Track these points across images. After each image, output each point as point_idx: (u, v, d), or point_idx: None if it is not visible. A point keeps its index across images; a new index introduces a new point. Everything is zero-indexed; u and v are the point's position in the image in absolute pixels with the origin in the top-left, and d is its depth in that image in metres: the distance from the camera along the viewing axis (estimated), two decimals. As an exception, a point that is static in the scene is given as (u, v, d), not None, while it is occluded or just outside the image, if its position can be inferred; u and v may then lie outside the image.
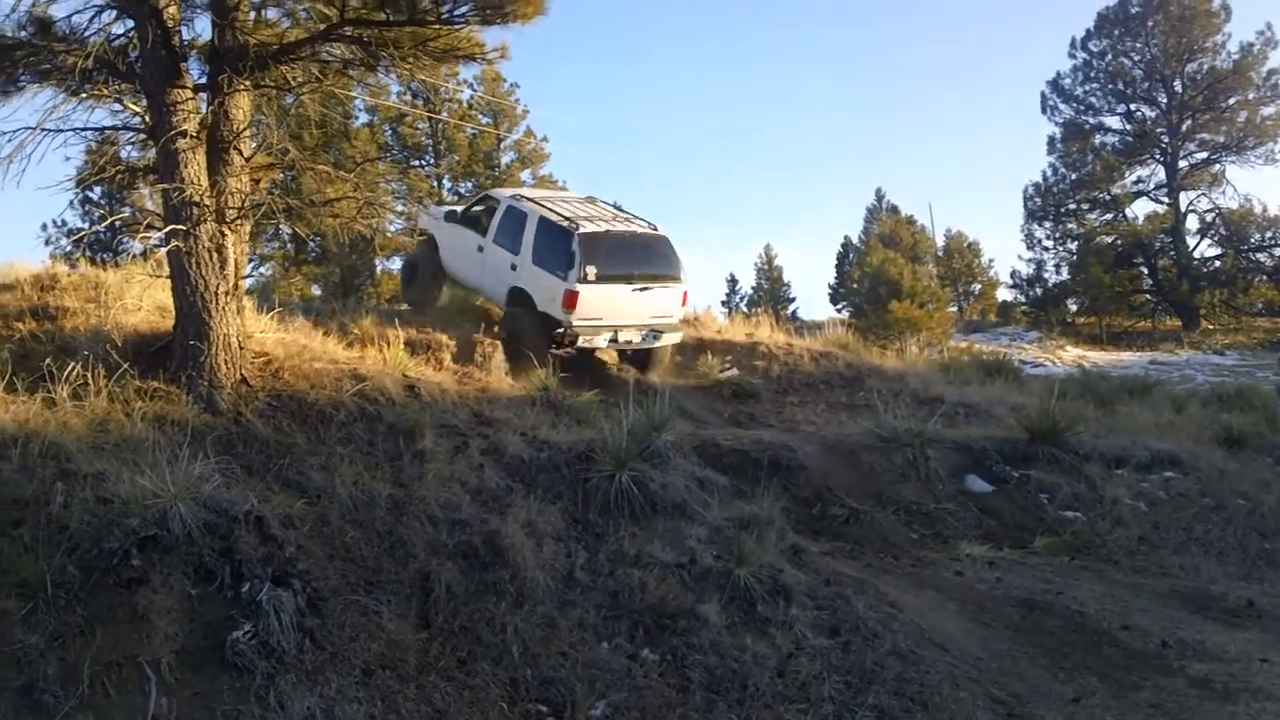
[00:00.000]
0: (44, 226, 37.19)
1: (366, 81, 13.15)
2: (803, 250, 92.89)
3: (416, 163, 40.28)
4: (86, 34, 9.52)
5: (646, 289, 14.24)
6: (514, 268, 14.49)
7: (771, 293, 51.20)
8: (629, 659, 7.32)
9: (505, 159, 42.90)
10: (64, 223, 37.18)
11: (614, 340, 14.42)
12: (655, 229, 14.94)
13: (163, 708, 5.96)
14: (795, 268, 77.75)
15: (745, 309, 45.85)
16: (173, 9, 9.50)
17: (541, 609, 7.68)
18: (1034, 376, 22.28)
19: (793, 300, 52.41)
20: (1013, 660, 7.77)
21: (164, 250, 9.39)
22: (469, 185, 42.37)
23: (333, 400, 9.83)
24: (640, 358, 15.10)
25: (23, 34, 9.56)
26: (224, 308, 9.44)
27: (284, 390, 9.79)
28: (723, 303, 51.80)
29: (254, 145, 10.21)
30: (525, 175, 42.85)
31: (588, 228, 13.89)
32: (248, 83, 9.81)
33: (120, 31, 9.56)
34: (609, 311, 13.94)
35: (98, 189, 31.82)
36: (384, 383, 10.43)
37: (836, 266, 52.15)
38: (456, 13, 9.36)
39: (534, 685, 6.96)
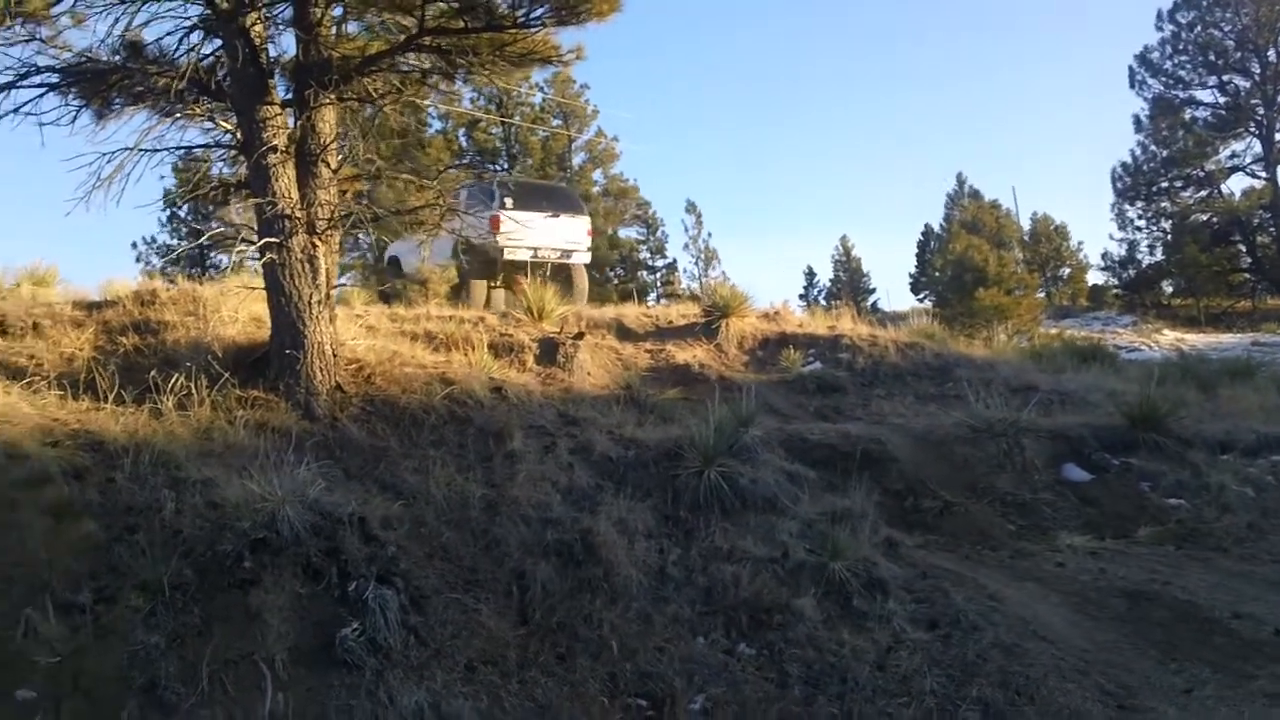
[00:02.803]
0: (134, 245, 38.56)
1: (443, 89, 13.33)
2: (881, 240, 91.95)
3: (491, 167, 40.76)
4: (176, 55, 9.85)
5: (555, 217, 19.14)
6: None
7: (850, 284, 50.89)
8: (726, 653, 7.38)
9: (577, 160, 43.27)
10: (154, 240, 38.47)
11: (535, 255, 18.90)
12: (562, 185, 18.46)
13: (279, 703, 6.17)
14: (874, 258, 77.07)
15: (824, 302, 45.69)
16: (259, 27, 9.78)
17: (636, 605, 7.79)
18: (1130, 361, 21.77)
19: (873, 291, 52.14)
20: (1120, 652, 7.62)
21: (258, 263, 9.67)
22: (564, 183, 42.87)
23: (423, 404, 10.05)
24: (562, 278, 18.68)
25: (116, 58, 9.91)
26: (317, 316, 9.70)
27: (376, 395, 10.04)
28: (800, 296, 51.70)
29: (340, 157, 10.46)
30: (597, 175, 43.22)
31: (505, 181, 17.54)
32: (332, 96, 10.08)
33: (209, 51, 9.86)
34: (526, 234, 18.21)
35: (185, 206, 32.87)
36: (471, 385, 10.62)
37: (917, 255, 51.74)
38: (533, 16, 9.48)
39: (633, 679, 7.05)
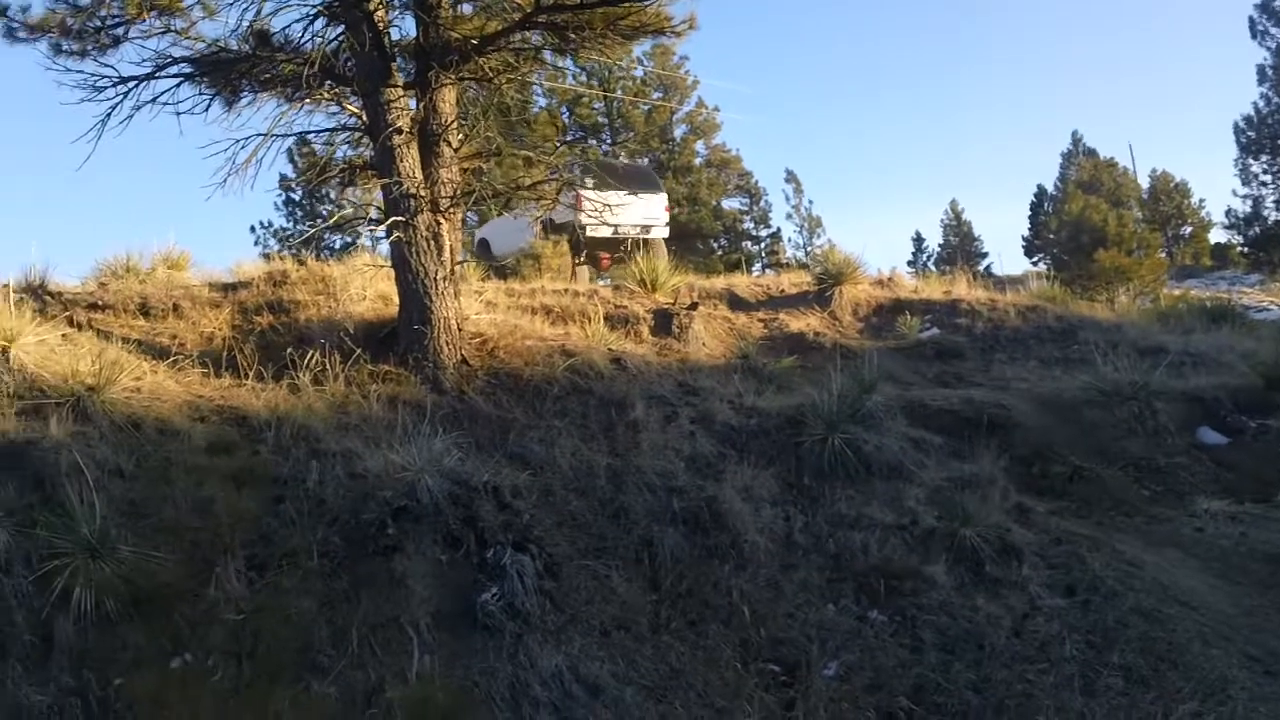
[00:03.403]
0: (252, 228, 39.77)
1: (555, 65, 13.49)
2: (992, 203, 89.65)
3: (593, 142, 40.92)
4: (302, 42, 10.16)
5: (633, 195, 18.83)
6: None
7: (962, 249, 49.92)
8: (858, 620, 7.42)
9: (678, 132, 43.16)
10: (270, 224, 39.62)
11: (616, 231, 19.60)
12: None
13: (425, 665, 6.41)
14: (985, 222, 75.25)
15: (933, 267, 44.95)
16: (381, 11, 10.04)
17: (764, 572, 7.87)
18: (1261, 321, 20.95)
19: (984, 255, 50.98)
20: (1265, 617, 7.43)
21: (383, 242, 9.96)
22: (645, 161, 42.84)
23: (546, 376, 10.25)
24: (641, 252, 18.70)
25: (245, 47, 10.25)
26: (443, 292, 9.96)
27: (500, 368, 10.27)
28: (908, 263, 50.90)
29: (460, 136, 10.68)
30: (699, 146, 43.06)
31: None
32: (452, 76, 10.29)
33: (333, 37, 10.13)
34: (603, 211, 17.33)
35: (301, 190, 33.79)
36: (591, 357, 10.79)
37: (1030, 217, 50.38)
38: (648, -12, 9.54)
39: (765, 645, 7.15)
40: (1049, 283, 19.71)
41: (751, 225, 45.41)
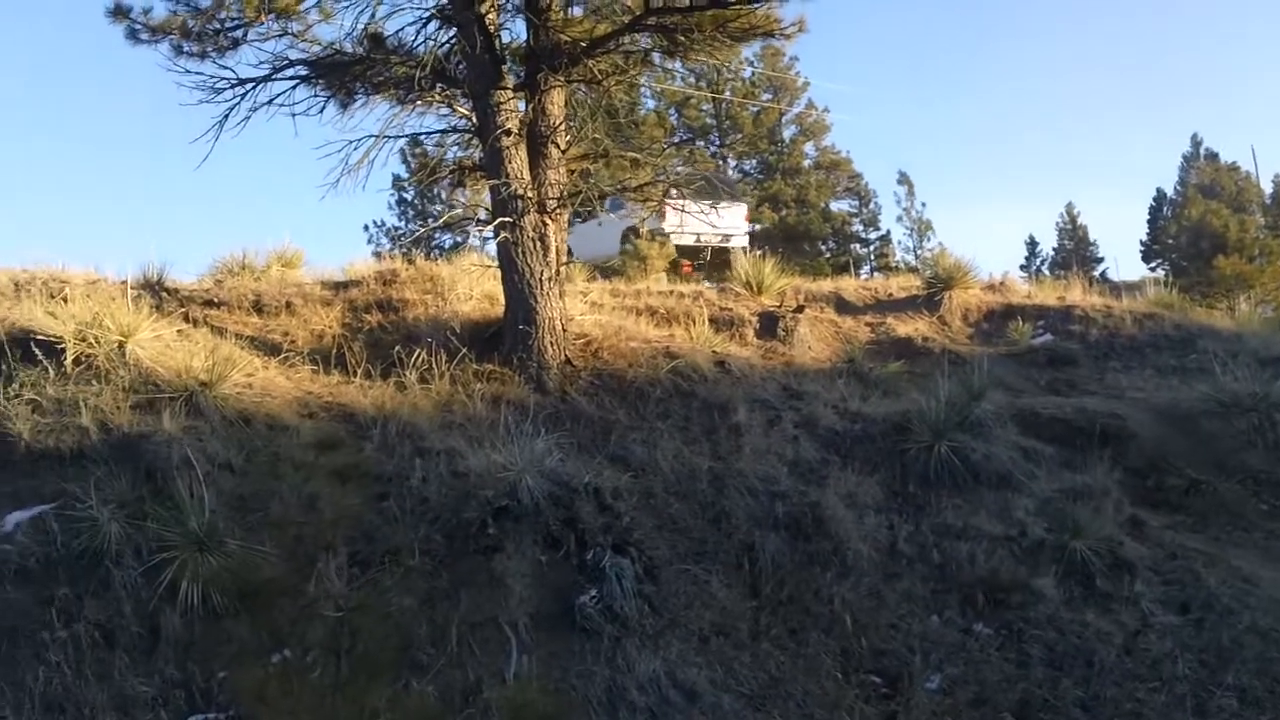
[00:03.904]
0: (365, 228, 40.70)
1: (665, 68, 13.49)
2: (1109, 207, 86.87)
3: (701, 143, 40.88)
4: (414, 45, 10.32)
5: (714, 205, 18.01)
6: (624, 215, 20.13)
7: (1077, 253, 48.54)
8: (962, 632, 7.24)
9: (787, 133, 42.86)
10: (384, 223, 40.49)
11: (697, 239, 20.49)
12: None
13: (523, 665, 6.43)
14: (1101, 226, 73.04)
15: (1047, 272, 43.82)
16: (492, 15, 10.13)
17: (867, 580, 7.73)
18: (1387, 331, 19.85)
19: (1101, 260, 49.44)
20: (1387, 639, 7.09)
21: (491, 242, 10.04)
22: (753, 163, 42.67)
23: (649, 378, 10.21)
24: (721, 262, 20.28)
25: (360, 50, 10.45)
26: (548, 293, 10.00)
27: (604, 369, 10.26)
28: (1021, 267, 49.67)
29: (568, 138, 10.72)
30: (808, 148, 42.70)
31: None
32: (561, 79, 10.33)
33: (445, 40, 10.26)
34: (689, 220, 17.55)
35: (413, 190, 34.47)
36: (694, 359, 10.72)
37: (1149, 222, 48.73)
38: (757, -10, 9.44)
39: (867, 656, 7.02)
40: (1167, 289, 18.98)
41: (861, 228, 44.84)
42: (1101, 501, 8.57)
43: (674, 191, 16.18)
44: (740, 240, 22.15)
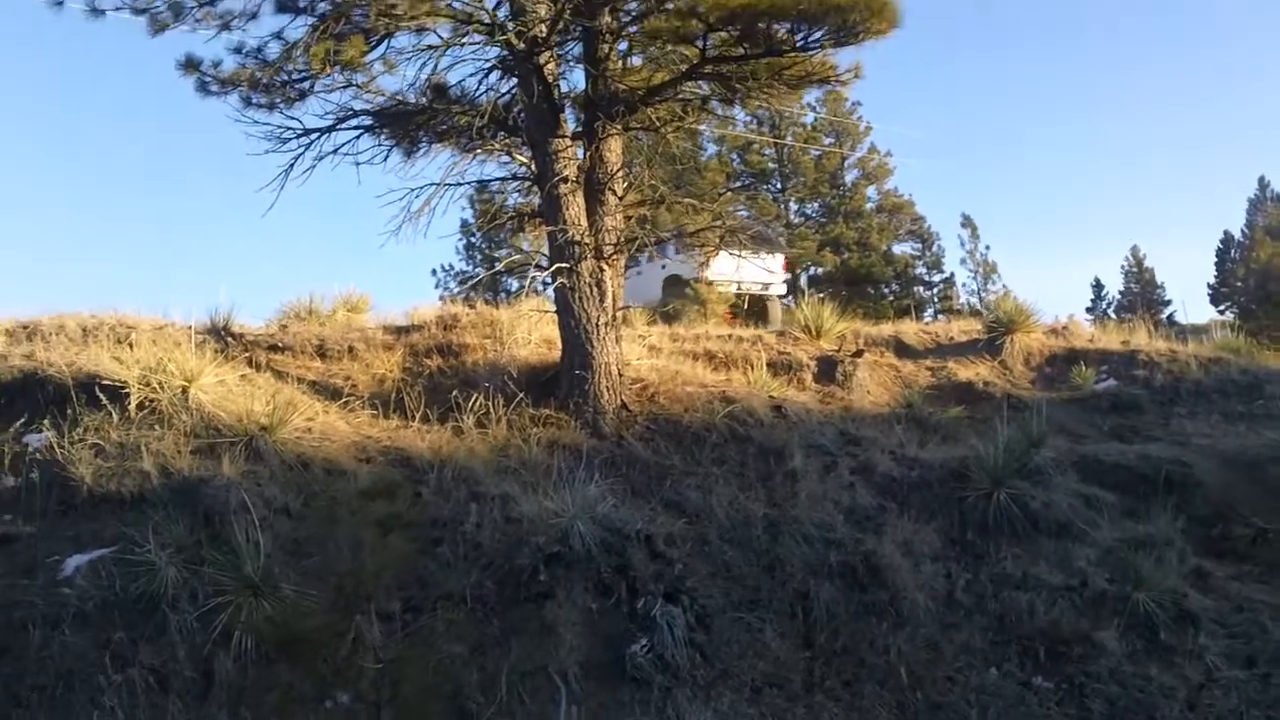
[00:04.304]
0: (433, 271, 41.28)
1: (720, 114, 13.56)
2: (1176, 250, 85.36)
3: (763, 187, 40.95)
4: (476, 95, 10.51)
5: (755, 254, 19.06)
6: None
7: (1143, 296, 47.74)
8: (1021, 685, 7.08)
9: (849, 177, 42.79)
10: (452, 267, 41.04)
11: (739, 288, 21.39)
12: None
13: (572, 715, 6.40)
14: (1168, 269, 71.71)
15: (1113, 315, 43.11)
16: (551, 65, 10.29)
17: (924, 631, 7.59)
18: None
19: (1168, 303, 48.59)
20: None
21: (550, 287, 10.13)
22: (815, 206, 42.62)
23: (705, 423, 10.19)
24: (758, 309, 21.29)
25: (423, 99, 10.65)
26: (604, 338, 10.05)
27: (660, 414, 10.27)
28: (1087, 310, 48.99)
29: (625, 185, 10.82)
30: (870, 191, 42.58)
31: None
32: (618, 126, 10.45)
33: (506, 89, 10.44)
34: (729, 270, 20.24)
35: (480, 235, 34.94)
36: (751, 404, 10.69)
37: (1217, 264, 47.90)
38: (811, 39, 9.47)
39: (923, 709, 6.89)
40: (1234, 333, 18.54)
41: (924, 270, 44.53)
42: (1165, 551, 8.34)
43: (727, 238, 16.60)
44: (778, 289, 23.42)
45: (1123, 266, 52.15)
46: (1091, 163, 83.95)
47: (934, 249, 44.57)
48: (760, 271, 20.69)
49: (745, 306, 21.21)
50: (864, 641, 7.48)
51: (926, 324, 19.68)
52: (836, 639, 7.49)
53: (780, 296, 23.63)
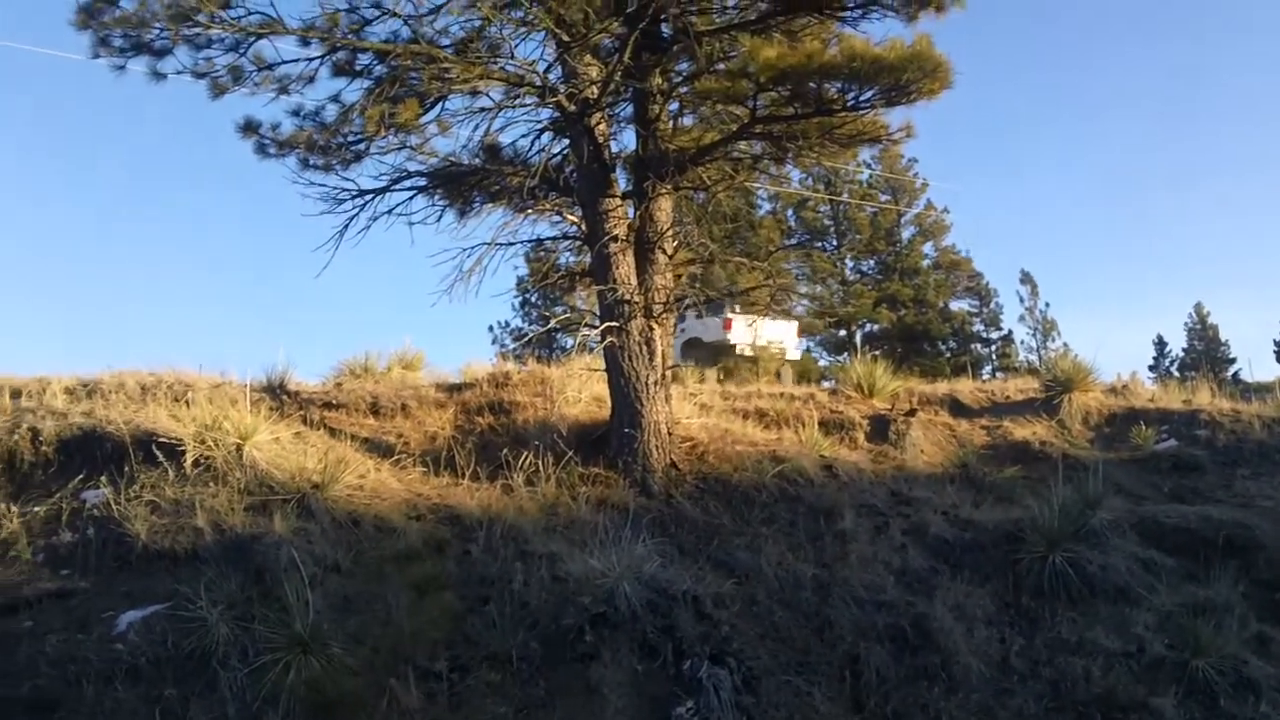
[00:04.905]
0: (490, 329, 41.64)
1: (772, 173, 13.64)
2: (1241, 307, 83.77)
3: (819, 244, 40.95)
4: (528, 155, 10.68)
5: (769, 320, 23.00)
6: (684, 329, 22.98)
7: (1206, 354, 46.85)
8: (1077, 754, 6.90)
9: (905, 234, 42.68)
10: (508, 324, 41.39)
11: (753, 347, 23.43)
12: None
13: (617, 778, 6.33)
14: (1233, 326, 70.37)
15: (1176, 373, 42.33)
16: (602, 125, 10.44)
17: (976, 696, 7.46)
18: None
19: (1232, 361, 47.63)
20: None
21: (599, 345, 10.18)
22: (870, 263, 42.49)
23: (754, 482, 10.14)
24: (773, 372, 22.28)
25: (476, 160, 10.84)
26: (654, 396, 10.06)
27: (709, 473, 10.24)
28: (1149, 368, 48.17)
29: (675, 243, 10.89)
30: (927, 248, 42.40)
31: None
32: (669, 186, 10.54)
33: (557, 150, 10.59)
34: (747, 332, 22.98)
35: (535, 293, 35.24)
36: (802, 463, 10.62)
37: (1283, 322, 46.88)
38: (862, 99, 9.54)
39: (975, 776, 6.73)
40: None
41: (982, 327, 44.09)
42: (1226, 617, 8.14)
43: (735, 309, 17.47)
44: (793, 354, 25.93)
45: (1186, 324, 51.37)
46: (1156, 221, 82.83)
47: (992, 306, 44.19)
48: (776, 336, 23.98)
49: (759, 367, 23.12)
50: (915, 706, 7.36)
51: (982, 382, 19.45)
52: (887, 703, 7.38)
53: (789, 361, 25.79)
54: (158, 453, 8.32)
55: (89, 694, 6.09)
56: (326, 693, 6.31)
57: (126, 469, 8.26)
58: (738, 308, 22.27)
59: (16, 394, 10.38)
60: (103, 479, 8.15)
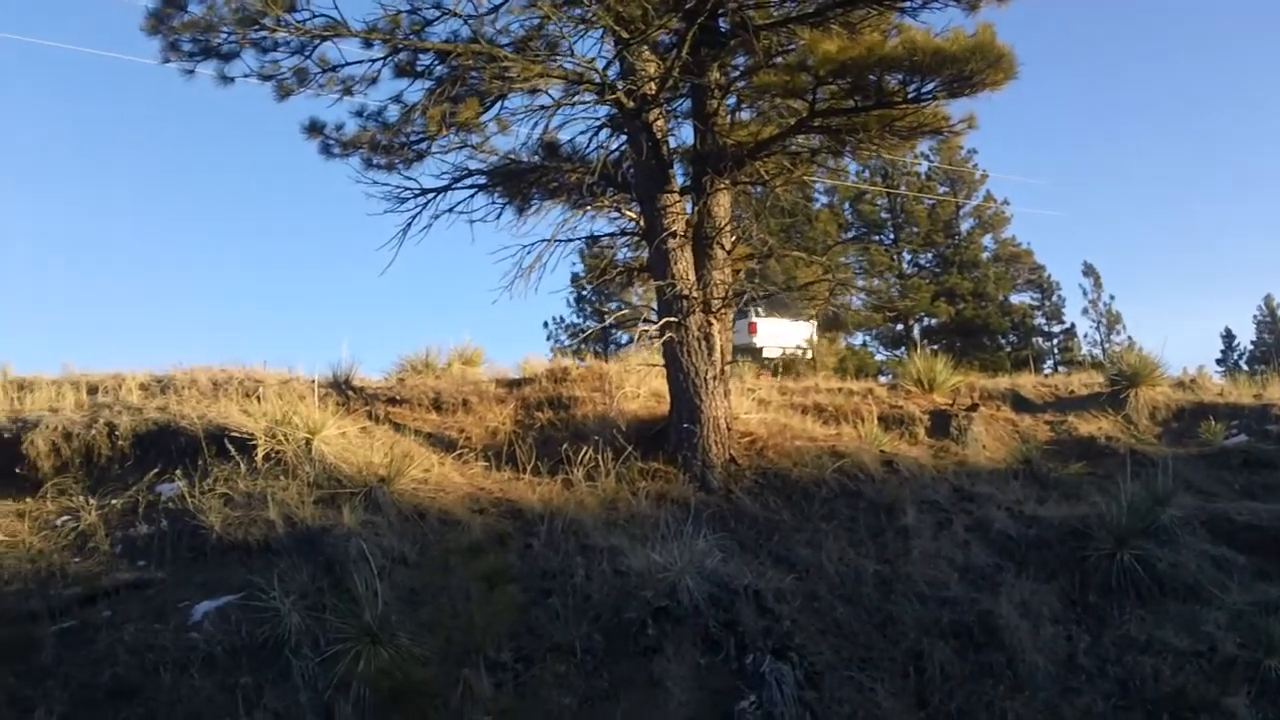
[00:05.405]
0: (545, 324, 41.83)
1: (830, 166, 13.57)
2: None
3: (876, 238, 40.63)
4: (587, 152, 10.74)
5: (792, 322, 23.88)
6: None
7: (1276, 347, 45.81)
8: (1146, 753, 6.83)
9: (964, 226, 42.17)
10: (563, 320, 41.55)
11: (782, 351, 23.97)
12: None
13: (680, 771, 6.37)
14: (1304, 317, 68.48)
15: (1245, 367, 41.48)
16: (660, 121, 10.47)
17: (1043, 695, 7.40)
18: None
19: (1306, 354, 46.54)
20: None
21: (658, 341, 10.22)
22: (929, 256, 42.09)
23: (814, 477, 10.12)
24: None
25: (535, 158, 10.93)
26: (713, 392, 10.08)
27: (768, 468, 10.23)
28: (1217, 361, 47.24)
29: (733, 238, 10.89)
30: (986, 240, 41.89)
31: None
32: (726, 181, 10.55)
33: (615, 146, 10.65)
34: (772, 334, 23.82)
35: (590, 289, 35.37)
36: (861, 459, 10.57)
37: (1360, 312, 45.79)
38: (924, 91, 9.45)
39: (1041, 775, 6.68)
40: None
41: (1043, 321, 43.50)
42: (1299, 615, 7.98)
43: (760, 313, 17.78)
44: (810, 353, 26.80)
45: (1255, 316, 50.35)
46: (1223, 210, 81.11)
47: (1054, 299, 43.57)
48: (797, 336, 24.72)
49: (783, 367, 23.41)
50: (980, 704, 7.32)
51: (1046, 377, 19.22)
52: (951, 700, 7.34)
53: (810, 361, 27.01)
54: (230, 447, 8.49)
55: (166, 681, 6.25)
56: (396, 682, 6.42)
57: (200, 463, 8.46)
58: (761, 310, 23.06)
59: (93, 390, 10.68)
60: (177, 472, 8.37)
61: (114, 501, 8.17)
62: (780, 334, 24.50)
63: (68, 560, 7.50)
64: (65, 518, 8.03)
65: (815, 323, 26.17)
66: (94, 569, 7.37)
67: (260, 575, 6.96)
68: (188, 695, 6.21)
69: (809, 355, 25.82)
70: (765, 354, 24.20)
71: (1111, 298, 44.76)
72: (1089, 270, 45.39)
